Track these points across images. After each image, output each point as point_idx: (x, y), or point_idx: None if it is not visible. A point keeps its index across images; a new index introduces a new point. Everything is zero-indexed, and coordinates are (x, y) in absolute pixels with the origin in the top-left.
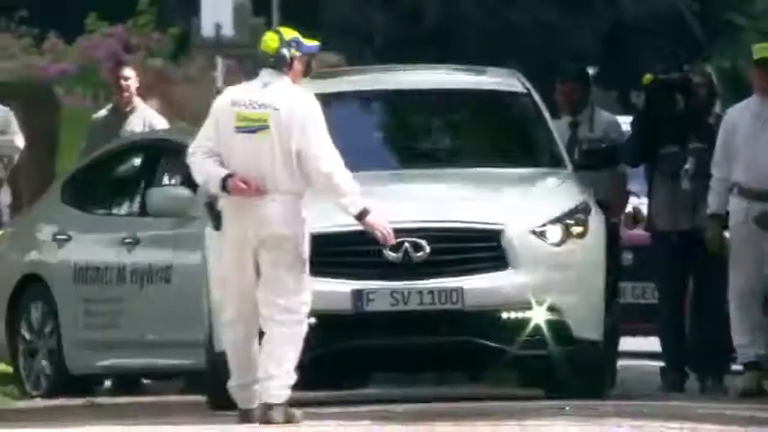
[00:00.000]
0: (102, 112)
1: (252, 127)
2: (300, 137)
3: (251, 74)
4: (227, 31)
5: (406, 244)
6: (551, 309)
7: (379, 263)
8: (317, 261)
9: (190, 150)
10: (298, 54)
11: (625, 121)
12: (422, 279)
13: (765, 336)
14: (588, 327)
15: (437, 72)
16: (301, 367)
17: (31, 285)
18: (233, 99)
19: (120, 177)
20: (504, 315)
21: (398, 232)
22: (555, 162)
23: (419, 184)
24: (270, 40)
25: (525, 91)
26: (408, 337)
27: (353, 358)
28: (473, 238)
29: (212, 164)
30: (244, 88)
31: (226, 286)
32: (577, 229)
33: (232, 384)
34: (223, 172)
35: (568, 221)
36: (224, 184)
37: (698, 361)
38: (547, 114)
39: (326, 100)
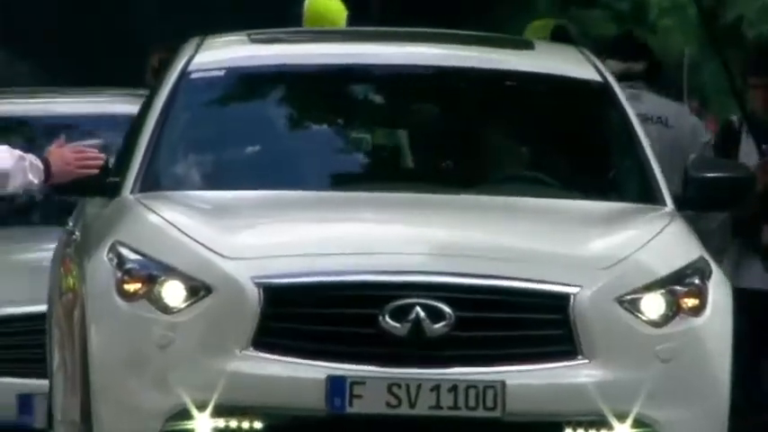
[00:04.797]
0: None
1: None
2: None
3: None
4: None
5: (418, 308)
6: (641, 424)
7: (371, 336)
8: (272, 329)
9: None
10: None
11: None
12: (439, 366)
13: None
14: None
15: (456, 44)
16: None
17: None
18: None
19: None
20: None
21: (402, 289)
22: (648, 194)
23: (437, 216)
24: None
25: (602, 80)
26: None
27: None
28: (525, 305)
29: None
30: None
31: None
32: (691, 301)
33: None
34: None
35: (677, 288)
36: None
37: None
38: (636, 121)
39: (278, 76)
